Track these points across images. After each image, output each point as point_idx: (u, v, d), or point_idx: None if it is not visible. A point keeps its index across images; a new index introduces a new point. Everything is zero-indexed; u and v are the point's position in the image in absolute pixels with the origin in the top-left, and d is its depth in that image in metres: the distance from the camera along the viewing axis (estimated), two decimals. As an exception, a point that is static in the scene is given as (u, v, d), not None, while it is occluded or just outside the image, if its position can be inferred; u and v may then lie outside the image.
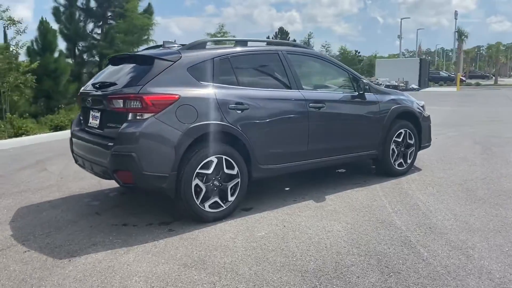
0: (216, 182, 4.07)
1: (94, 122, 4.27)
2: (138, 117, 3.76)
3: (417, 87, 35.42)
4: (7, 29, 11.17)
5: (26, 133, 9.65)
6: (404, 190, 5.08)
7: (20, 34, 11.36)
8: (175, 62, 3.99)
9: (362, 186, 5.27)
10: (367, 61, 51.34)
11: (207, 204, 4.03)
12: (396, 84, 34.30)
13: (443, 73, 51.18)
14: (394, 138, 5.55)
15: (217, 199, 4.09)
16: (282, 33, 41.32)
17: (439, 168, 6.14)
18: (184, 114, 3.84)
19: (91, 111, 4.35)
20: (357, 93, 5.19)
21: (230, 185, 4.16)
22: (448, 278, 2.96)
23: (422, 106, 6.16)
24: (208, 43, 4.42)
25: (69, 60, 20.28)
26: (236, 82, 4.30)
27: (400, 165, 5.70)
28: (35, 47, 16.46)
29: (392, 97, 5.65)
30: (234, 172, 4.17)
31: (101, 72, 4.66)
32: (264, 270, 3.11)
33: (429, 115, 6.19)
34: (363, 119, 5.25)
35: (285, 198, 4.82)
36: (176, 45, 4.50)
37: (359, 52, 45.75)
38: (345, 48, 41.73)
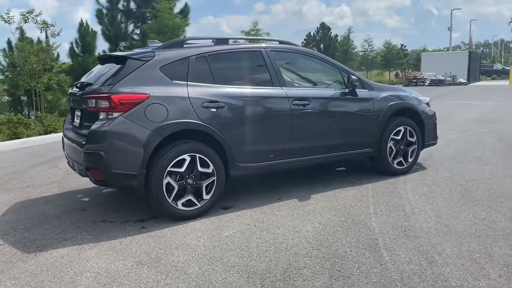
0: (189, 180, 4.09)
1: (77, 121, 4.42)
2: (109, 116, 3.84)
3: (465, 81, 33.74)
4: (41, 32, 11.73)
5: (54, 130, 10.11)
6: (396, 190, 4.87)
7: (55, 37, 11.88)
8: (147, 61, 4.04)
9: (355, 185, 5.11)
10: (414, 55, 49.50)
11: (180, 202, 4.05)
12: (442, 78, 32.90)
13: (497, 66, 48.42)
14: (391, 136, 5.33)
15: (191, 197, 4.10)
16: (324, 28, 40.63)
17: (446, 167, 5.84)
18: (153, 112, 3.88)
19: (75, 111, 4.50)
20: (347, 89, 5.02)
21: (205, 183, 4.17)
22: (398, 284, 2.82)
23: (427, 103, 5.88)
24: (186, 42, 4.43)
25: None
26: (213, 80, 4.29)
27: (399, 164, 5.47)
28: (76, 48, 17.25)
29: (390, 93, 5.42)
30: (209, 170, 4.17)
31: (89, 72, 4.80)
32: (213, 270, 3.10)
33: (434, 112, 5.89)
34: (354, 116, 5.08)
35: (271, 196, 4.76)
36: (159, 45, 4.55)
37: (405, 46, 44.09)
38: (389, 42, 40.35)
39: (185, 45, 4.40)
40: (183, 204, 4.07)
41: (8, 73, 14.42)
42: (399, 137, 5.40)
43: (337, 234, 3.67)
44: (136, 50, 4.38)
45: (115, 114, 3.81)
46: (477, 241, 3.44)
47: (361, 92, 5.13)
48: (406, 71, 41.45)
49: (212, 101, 4.15)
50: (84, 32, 17.04)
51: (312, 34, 41.06)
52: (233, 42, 4.69)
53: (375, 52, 37.83)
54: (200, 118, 4.07)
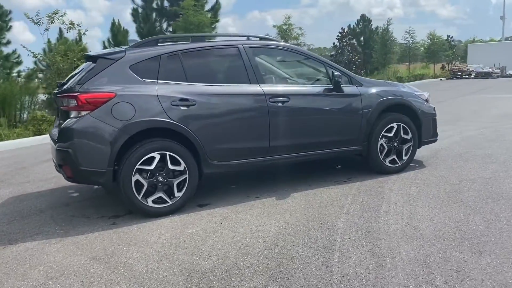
0: (160, 178, 4.12)
1: (58, 120, 4.57)
2: (78, 115, 3.95)
3: (516, 73, 31.86)
4: (67, 32, 12.24)
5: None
6: (382, 189, 4.69)
7: (82, 36, 12.36)
8: (116, 60, 4.11)
9: (342, 183, 4.98)
10: (463, 46, 47.24)
11: (150, 199, 4.10)
12: (490, 70, 31.25)
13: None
14: (383, 133, 5.14)
15: (161, 194, 4.14)
16: (364, 20, 39.66)
17: (447, 165, 5.56)
18: (120, 111, 3.95)
19: (58, 110, 4.66)
20: (332, 86, 4.88)
21: (177, 181, 4.19)
22: (334, 287, 2.73)
23: (426, 99, 5.61)
24: (159, 40, 4.48)
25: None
26: (185, 78, 4.30)
27: (393, 162, 5.26)
28: (108, 47, 17.84)
29: (381, 89, 5.22)
30: (181, 168, 4.19)
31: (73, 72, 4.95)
32: (158, 268, 3.13)
33: (433, 108, 5.62)
34: (339, 113, 4.94)
35: (250, 194, 4.74)
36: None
37: (451, 37, 42.16)
38: (434, 34, 38.78)
39: (159, 44, 4.44)
40: (153, 201, 4.12)
41: (45, 73, 15.13)
42: (391, 134, 5.19)
43: (298, 234, 3.59)
44: (107, 50, 4.47)
45: (83, 113, 3.92)
46: (439, 244, 3.26)
47: (348, 88, 4.97)
48: (453, 63, 39.68)
49: (182, 99, 4.17)
50: (116, 31, 17.60)
51: (352, 26, 40.25)
52: (211, 39, 4.67)
53: (417, 44, 36.44)
54: (169, 116, 4.10)
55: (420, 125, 5.38)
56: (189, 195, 4.29)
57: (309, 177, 5.29)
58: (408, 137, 5.31)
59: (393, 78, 26.15)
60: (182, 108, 4.16)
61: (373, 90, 5.13)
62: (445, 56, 39.72)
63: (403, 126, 5.24)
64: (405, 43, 35.47)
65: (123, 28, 18.48)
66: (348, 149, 5.07)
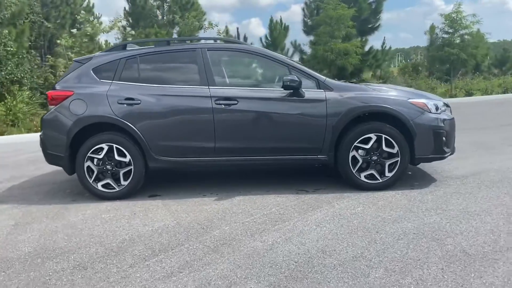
0: (108, 167, 4.73)
1: None
2: (50, 109, 4.87)
3: None
4: (204, 31, 13.80)
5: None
6: (325, 206, 4.23)
7: (221, 34, 13.76)
8: (84, 64, 4.86)
9: (300, 194, 4.68)
10: None
11: (100, 184, 4.76)
12: None
13: None
14: (356, 144, 4.58)
15: (109, 181, 4.75)
16: None
17: (452, 191, 4.51)
18: (76, 107, 4.69)
19: None
20: (292, 90, 4.60)
21: (123, 170, 4.73)
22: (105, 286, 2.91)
23: (427, 109, 4.63)
24: (129, 45, 5.03)
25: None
26: (138, 79, 4.76)
27: (370, 177, 4.62)
28: (264, 42, 19.09)
29: (355, 94, 4.61)
30: (127, 159, 4.71)
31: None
32: (26, 241, 3.72)
33: (439, 119, 4.62)
34: (297, 119, 4.60)
35: (202, 191, 4.92)
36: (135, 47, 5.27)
37: None
38: None
39: (128, 48, 4.99)
40: (103, 186, 4.76)
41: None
42: (368, 146, 4.57)
43: (166, 235, 3.71)
44: (85, 56, 5.24)
45: (51, 107, 4.81)
46: (256, 271, 2.99)
47: (312, 93, 4.61)
48: None
49: (128, 98, 4.66)
50: (273, 27, 18.64)
51: None
52: (175, 43, 4.97)
53: None
54: (115, 113, 4.64)
55: (412, 137, 4.56)
56: (135, 185, 4.77)
57: (279, 182, 5.12)
58: (394, 151, 4.57)
59: None
60: (126, 106, 4.65)
61: (345, 96, 4.59)
62: None
63: (385, 137, 4.55)
64: None
65: (284, 24, 19.38)
66: (311, 158, 4.70)
